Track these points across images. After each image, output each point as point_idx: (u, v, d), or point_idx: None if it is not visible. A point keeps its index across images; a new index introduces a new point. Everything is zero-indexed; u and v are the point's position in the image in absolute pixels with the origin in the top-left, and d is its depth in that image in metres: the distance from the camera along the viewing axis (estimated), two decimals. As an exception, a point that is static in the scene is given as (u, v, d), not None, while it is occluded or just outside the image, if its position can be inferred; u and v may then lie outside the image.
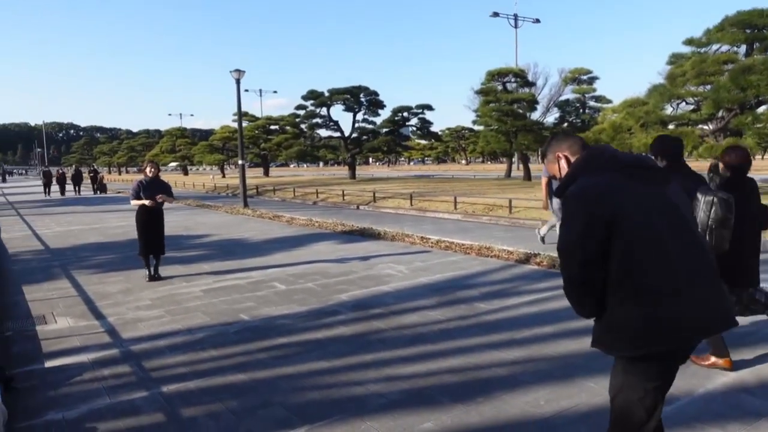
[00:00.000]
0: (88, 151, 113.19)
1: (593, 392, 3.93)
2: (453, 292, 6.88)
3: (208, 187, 39.30)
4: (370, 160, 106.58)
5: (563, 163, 2.44)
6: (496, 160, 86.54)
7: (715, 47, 16.41)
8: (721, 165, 4.48)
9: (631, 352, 2.18)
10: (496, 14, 42.64)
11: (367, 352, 4.88)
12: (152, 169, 8.26)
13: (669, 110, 17.40)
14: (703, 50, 16.67)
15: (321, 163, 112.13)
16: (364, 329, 5.56)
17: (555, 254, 8.48)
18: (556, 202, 9.14)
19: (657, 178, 2.24)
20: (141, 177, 8.40)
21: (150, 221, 8.19)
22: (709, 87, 15.16)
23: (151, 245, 8.23)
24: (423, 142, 51.70)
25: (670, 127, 15.85)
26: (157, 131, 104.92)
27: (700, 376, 4.13)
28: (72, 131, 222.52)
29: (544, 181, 9.91)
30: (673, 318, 2.06)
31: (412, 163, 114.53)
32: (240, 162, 20.20)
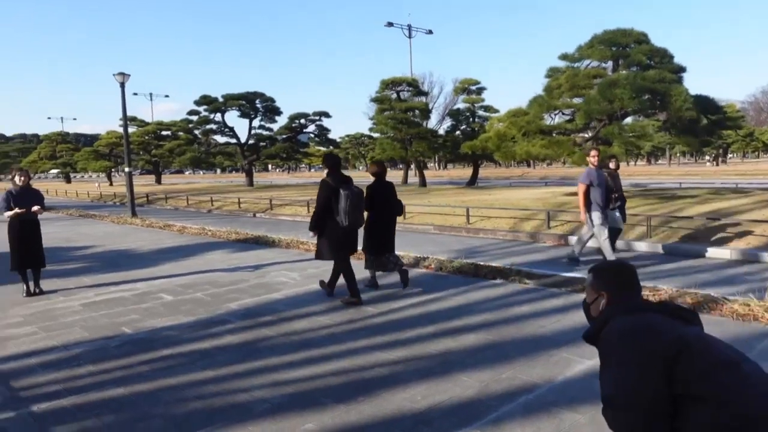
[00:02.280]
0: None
1: (466, 385, 4.22)
2: (343, 297, 7.02)
3: (93, 195, 36.99)
4: (270, 167, 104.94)
5: (604, 302, 2.21)
6: (396, 167, 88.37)
7: (586, 62, 17.84)
8: (369, 171, 7.71)
9: None
10: (390, 24, 43.53)
11: (254, 360, 4.90)
12: (22, 178, 7.67)
13: (548, 120, 18.68)
14: (576, 65, 18.07)
15: (218, 170, 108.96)
16: (252, 337, 5.57)
17: (442, 257, 8.93)
18: (596, 215, 8.38)
19: (692, 318, 2.10)
20: (10, 186, 7.83)
21: (25, 233, 7.65)
22: (581, 99, 16.47)
23: (28, 258, 7.70)
24: (322, 149, 51.70)
25: (553, 134, 17.04)
26: (36, 136, 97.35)
27: (561, 365, 4.53)
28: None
29: (581, 188, 8.45)
30: None
31: (312, 170, 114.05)
32: (126, 169, 19.26)
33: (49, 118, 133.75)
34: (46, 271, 9.14)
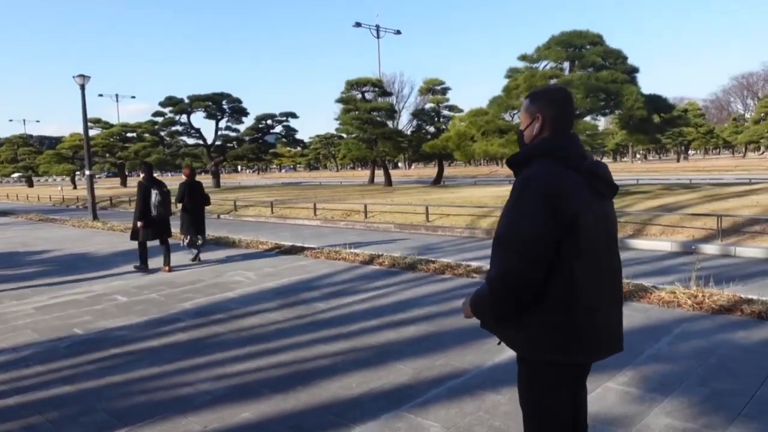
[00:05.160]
0: None
1: (400, 373, 4.46)
2: (296, 295, 7.22)
3: (55, 199, 36.35)
4: (239, 168, 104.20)
5: (537, 126, 2.14)
6: (366, 166, 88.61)
7: (544, 63, 18.32)
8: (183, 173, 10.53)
9: (550, 358, 2.06)
10: (358, 24, 43.75)
11: (201, 356, 5.06)
12: None
13: (508, 119, 19.11)
14: (534, 65, 18.54)
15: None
16: (202, 334, 5.72)
17: (396, 254, 9.18)
18: None
19: (609, 191, 2.16)
20: None
21: None
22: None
23: None
24: (293, 149, 52.05)
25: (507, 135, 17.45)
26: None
27: (492, 353, 4.80)
28: None
29: None
30: (591, 332, 2.03)
31: (283, 171, 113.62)
32: (87, 172, 19.07)
33: (10, 120, 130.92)
34: (0, 276, 9.15)
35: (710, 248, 9.39)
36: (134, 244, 9.74)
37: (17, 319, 6.59)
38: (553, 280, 1.98)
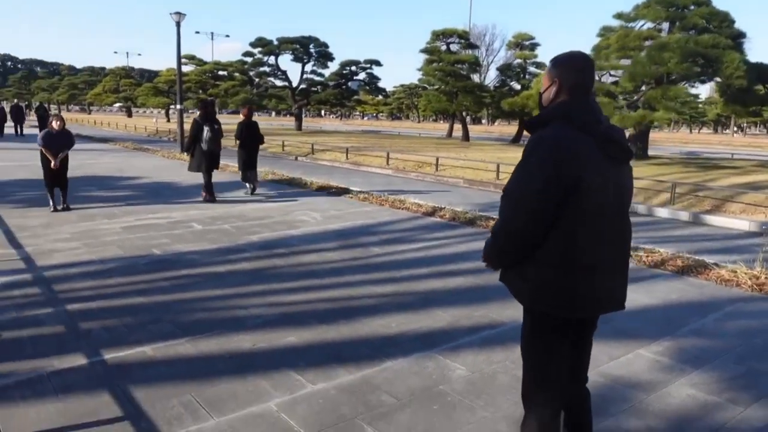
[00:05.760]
0: (25, 85, 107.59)
1: (438, 318, 4.70)
2: (355, 238, 7.55)
3: (150, 130, 38.53)
4: (323, 112, 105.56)
5: (554, 90, 2.24)
6: (448, 119, 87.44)
7: (641, 23, 17.28)
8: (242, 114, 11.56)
9: (550, 311, 2.19)
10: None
11: (259, 284, 5.50)
12: (58, 122, 8.97)
13: (597, 80, 18.28)
14: (630, 25, 17.53)
15: (273, 113, 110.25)
16: (263, 266, 6.17)
17: (458, 209, 9.30)
18: None
19: (623, 156, 2.22)
20: (54, 127, 8.95)
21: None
22: (630, 61, 16.09)
23: (56, 180, 8.97)
24: (376, 97, 52.50)
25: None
26: (103, 69, 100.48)
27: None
28: (9, 63, 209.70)
29: None
30: (587, 291, 2.15)
31: (365, 118, 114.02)
32: (178, 107, 20.13)
33: (115, 52, 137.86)
34: (96, 197, 10.12)
35: (793, 231, 8.88)
36: (217, 178, 10.75)
37: (106, 236, 7.32)
38: (556, 237, 2.10)
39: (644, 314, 4.94)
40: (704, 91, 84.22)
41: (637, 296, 5.38)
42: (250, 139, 11.05)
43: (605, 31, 18.05)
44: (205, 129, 10.03)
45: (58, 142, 8.89)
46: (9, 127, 28.91)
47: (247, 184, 11.23)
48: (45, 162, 8.89)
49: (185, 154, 10.34)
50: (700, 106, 63.69)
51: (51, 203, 8.92)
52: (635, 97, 16.52)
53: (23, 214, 8.61)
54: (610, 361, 3.95)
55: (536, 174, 2.06)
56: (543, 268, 2.15)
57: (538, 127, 2.20)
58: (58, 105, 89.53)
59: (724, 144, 43.76)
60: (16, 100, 54.38)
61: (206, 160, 10.17)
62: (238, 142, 11.15)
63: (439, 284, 5.63)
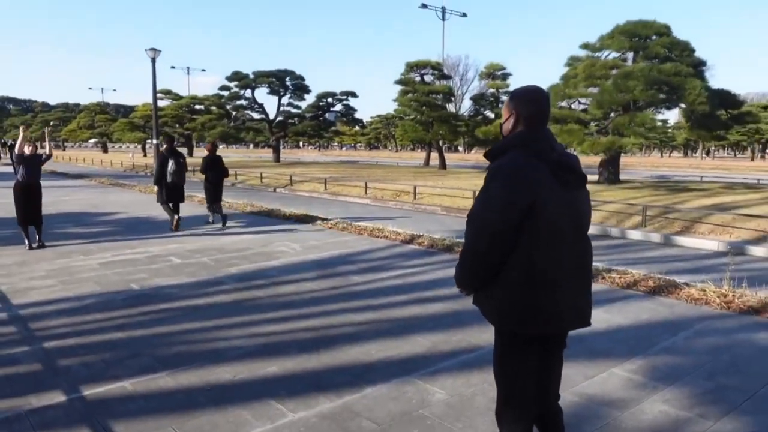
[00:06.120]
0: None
1: (417, 344, 4.76)
2: (334, 267, 7.61)
3: (126, 165, 38.29)
4: (301, 144, 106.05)
5: (512, 121, 2.40)
6: (425, 148, 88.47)
7: (606, 53, 17.89)
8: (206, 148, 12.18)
9: (516, 329, 2.30)
10: (424, 6, 43.52)
11: (238, 316, 5.52)
12: (30, 147, 9.03)
13: (567, 108, 18.80)
14: (596, 54, 18.13)
15: (251, 146, 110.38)
16: (242, 297, 6.19)
17: (436, 236, 9.43)
18: None
19: (578, 182, 2.35)
20: (25, 152, 8.98)
21: (28, 194, 8.89)
22: (596, 89, 16.60)
23: (30, 216, 8.91)
24: (356, 128, 53.17)
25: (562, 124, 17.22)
26: (77, 105, 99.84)
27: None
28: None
29: None
30: (550, 308, 2.25)
31: (343, 149, 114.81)
32: (154, 142, 20.13)
33: (90, 88, 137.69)
34: (71, 233, 10.06)
35: (759, 250, 9.17)
36: (189, 210, 11.22)
37: (83, 272, 7.27)
38: (517, 257, 2.23)
39: (617, 334, 5.06)
40: (672, 116, 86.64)
41: (609, 316, 5.52)
42: (214, 172, 11.54)
43: (573, 61, 18.64)
44: (170, 162, 10.56)
45: (31, 162, 8.92)
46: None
47: (212, 215, 11.73)
48: (18, 200, 8.85)
49: (155, 187, 10.79)
50: (669, 130, 65.41)
51: (26, 241, 8.84)
52: (605, 124, 17.01)
53: (-3, 252, 8.52)
54: (584, 381, 4.05)
55: (496, 200, 2.22)
56: (507, 287, 2.27)
57: (498, 155, 2.35)
58: (32, 142, 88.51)
59: (693, 167, 44.94)
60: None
61: (169, 191, 10.66)
62: (203, 176, 11.74)
63: (418, 310, 5.71)
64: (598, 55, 18.01)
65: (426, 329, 5.14)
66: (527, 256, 2.22)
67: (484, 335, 4.94)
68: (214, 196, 11.49)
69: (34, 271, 7.33)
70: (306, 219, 11.97)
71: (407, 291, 6.42)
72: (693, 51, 16.93)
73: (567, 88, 17.01)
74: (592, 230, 11.10)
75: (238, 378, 4.08)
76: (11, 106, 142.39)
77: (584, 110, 18.04)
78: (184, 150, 54.17)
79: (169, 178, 10.54)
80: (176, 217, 10.71)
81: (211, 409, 3.59)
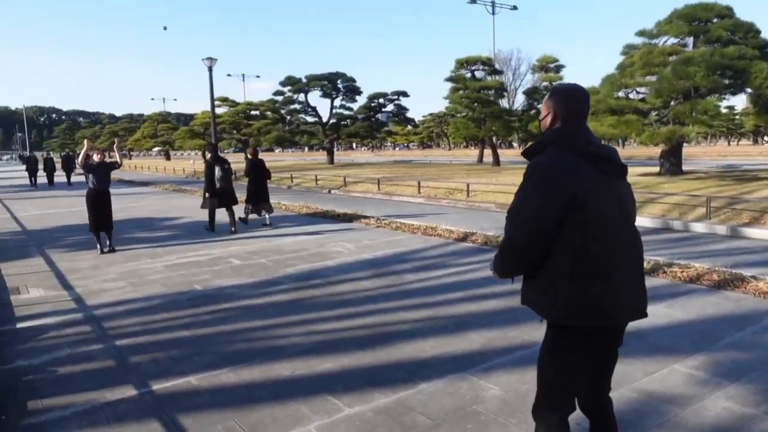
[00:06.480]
0: (69, 135, 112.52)
1: (472, 340, 4.78)
2: (388, 266, 7.70)
3: (188, 172, 39.71)
4: (354, 145, 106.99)
5: (550, 118, 2.42)
6: (478, 145, 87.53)
7: (664, 39, 17.25)
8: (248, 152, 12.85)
9: (567, 322, 2.29)
10: (473, 0, 43.19)
11: (296, 314, 5.68)
12: (98, 156, 9.62)
13: (624, 98, 18.24)
14: (654, 41, 17.50)
15: (306, 149, 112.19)
16: (300, 296, 6.36)
17: (490, 233, 9.38)
18: None
19: (618, 172, 2.35)
20: (94, 160, 9.59)
21: (99, 202, 9.41)
22: (655, 77, 16.04)
23: (101, 223, 9.42)
24: (408, 127, 53.33)
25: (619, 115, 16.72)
26: (141, 115, 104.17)
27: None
28: (54, 115, 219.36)
29: None
30: (604, 299, 2.22)
31: (396, 148, 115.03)
32: (214, 148, 20.80)
33: (152, 98, 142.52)
34: (139, 238, 10.56)
35: (836, 240, 8.66)
36: (254, 216, 12.03)
37: (150, 275, 7.64)
38: (565, 251, 2.23)
39: (679, 329, 4.92)
40: (740, 102, 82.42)
41: (671, 312, 5.37)
42: (256, 174, 12.06)
43: (629, 49, 18.05)
44: (217, 169, 11.06)
45: (100, 170, 9.45)
46: (60, 176, 30.28)
47: (252, 215, 12.22)
48: (90, 207, 9.38)
49: (205, 194, 11.25)
50: (736, 117, 62.25)
51: (98, 246, 9.36)
52: (665, 113, 16.39)
53: (73, 257, 9.05)
54: (644, 377, 3.97)
55: (533, 197, 2.24)
56: (558, 281, 2.26)
57: (535, 152, 2.38)
58: (100, 151, 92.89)
59: (764, 155, 42.66)
60: (67, 150, 56.57)
61: (220, 197, 11.10)
62: (247, 178, 12.26)
63: (472, 308, 5.72)
64: (656, 42, 17.38)
65: (481, 326, 5.14)
66: (576, 249, 2.22)
67: (539, 332, 4.85)
68: (257, 197, 12.00)
69: (106, 274, 7.75)
70: (359, 219, 12.12)
71: (462, 288, 6.43)
72: (759, 32, 16.09)
73: (623, 78, 16.50)
74: (653, 224, 10.78)
75: (297, 374, 4.21)
76: (81, 119, 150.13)
77: (642, 100, 17.44)
78: (230, 157, 55.69)
79: (217, 184, 11.02)
80: (235, 219, 11.21)
81: (271, 403, 3.73)
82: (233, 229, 11.03)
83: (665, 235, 9.93)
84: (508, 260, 2.37)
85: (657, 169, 18.52)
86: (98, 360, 4.62)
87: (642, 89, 17.36)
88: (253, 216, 12.25)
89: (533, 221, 2.23)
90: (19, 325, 5.62)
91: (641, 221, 11.04)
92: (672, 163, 17.68)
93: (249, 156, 12.49)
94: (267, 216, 12.05)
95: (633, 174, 18.29)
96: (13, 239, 11.26)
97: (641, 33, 17.44)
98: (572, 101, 2.39)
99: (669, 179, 15.45)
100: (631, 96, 18.10)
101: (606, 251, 2.24)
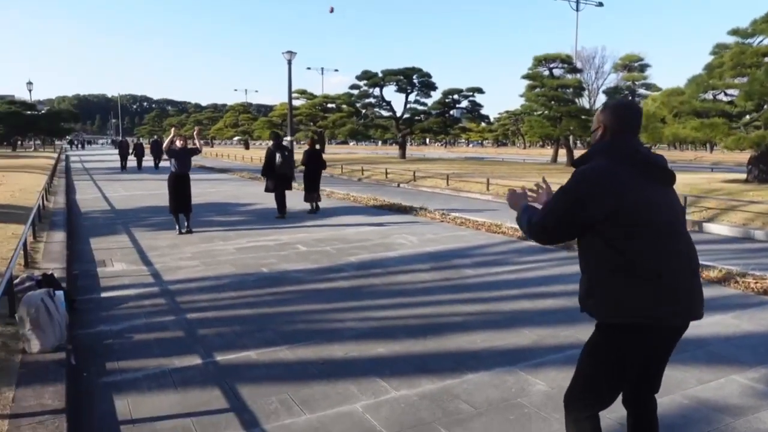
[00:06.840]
0: (158, 123, 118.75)
1: (523, 336, 4.81)
2: (449, 260, 7.78)
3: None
4: (427, 140, 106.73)
5: (600, 132, 2.49)
6: (554, 144, 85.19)
7: (759, 38, 16.23)
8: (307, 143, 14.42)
9: (611, 320, 2.33)
10: (556, -4, 42.06)
11: (355, 300, 5.88)
12: (181, 142, 10.31)
13: (711, 100, 17.33)
14: (748, 41, 16.51)
15: (379, 142, 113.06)
16: (360, 284, 6.56)
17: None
18: None
19: (666, 177, 2.39)
20: (177, 146, 10.23)
21: (179, 184, 10.06)
22: (746, 79, 15.14)
23: (180, 205, 10.07)
24: (482, 124, 52.83)
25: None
26: (224, 105, 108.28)
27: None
28: (145, 103, 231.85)
29: None
30: (658, 298, 2.24)
31: (470, 145, 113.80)
32: (288, 139, 21.45)
33: (235, 90, 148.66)
34: (214, 221, 11.13)
35: None
36: (321, 204, 12.97)
37: (222, 256, 8.08)
38: (614, 254, 2.27)
39: (744, 340, 4.74)
40: None
41: (738, 322, 5.17)
42: (313, 164, 12.97)
43: (719, 49, 17.09)
44: (277, 155, 12.01)
45: (182, 155, 10.13)
46: (147, 161, 32.12)
47: (311, 204, 12.94)
48: (172, 186, 10.00)
49: (263, 177, 12.63)
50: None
51: (176, 227, 9.97)
52: (755, 116, 15.44)
53: (154, 236, 9.68)
54: (697, 385, 3.88)
55: (565, 195, 2.35)
56: (609, 283, 2.30)
57: (582, 163, 2.45)
58: (183, 137, 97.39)
59: None
60: (156, 136, 59.69)
61: (279, 181, 12.05)
62: (303, 167, 13.22)
63: (527, 305, 5.72)
64: (750, 42, 16.37)
65: (534, 323, 5.15)
66: (625, 253, 2.26)
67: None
68: (310, 186, 12.83)
69: (183, 253, 8.26)
70: (425, 213, 12.22)
71: (519, 286, 6.43)
72: None
73: (711, 79, 15.65)
74: (731, 232, 10.30)
75: (349, 356, 4.40)
76: (169, 108, 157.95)
77: (730, 102, 16.49)
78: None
79: (278, 170, 11.97)
80: (285, 207, 12.13)
81: (323, 381, 3.93)
82: (281, 215, 11.92)
83: (744, 244, 9.44)
84: (534, 232, 2.50)
85: (744, 176, 17.51)
86: (170, 330, 5.00)
87: (731, 91, 16.43)
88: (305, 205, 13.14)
89: (560, 212, 2.36)
90: (103, 295, 6.13)
91: (718, 229, 10.56)
92: (761, 170, 16.62)
93: (308, 146, 13.50)
94: (312, 206, 12.88)
95: (716, 180, 17.38)
96: (103, 217, 12.15)
97: (734, 32, 16.47)
98: (623, 118, 2.45)
99: (756, 187, 14.57)
100: (718, 98, 17.15)
101: (655, 254, 2.26)
